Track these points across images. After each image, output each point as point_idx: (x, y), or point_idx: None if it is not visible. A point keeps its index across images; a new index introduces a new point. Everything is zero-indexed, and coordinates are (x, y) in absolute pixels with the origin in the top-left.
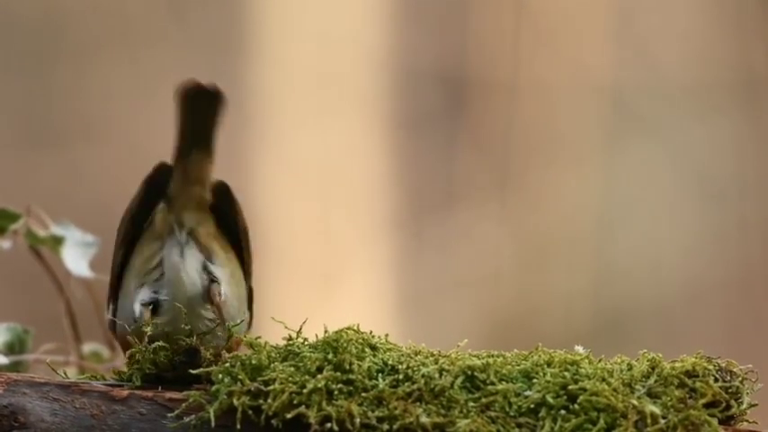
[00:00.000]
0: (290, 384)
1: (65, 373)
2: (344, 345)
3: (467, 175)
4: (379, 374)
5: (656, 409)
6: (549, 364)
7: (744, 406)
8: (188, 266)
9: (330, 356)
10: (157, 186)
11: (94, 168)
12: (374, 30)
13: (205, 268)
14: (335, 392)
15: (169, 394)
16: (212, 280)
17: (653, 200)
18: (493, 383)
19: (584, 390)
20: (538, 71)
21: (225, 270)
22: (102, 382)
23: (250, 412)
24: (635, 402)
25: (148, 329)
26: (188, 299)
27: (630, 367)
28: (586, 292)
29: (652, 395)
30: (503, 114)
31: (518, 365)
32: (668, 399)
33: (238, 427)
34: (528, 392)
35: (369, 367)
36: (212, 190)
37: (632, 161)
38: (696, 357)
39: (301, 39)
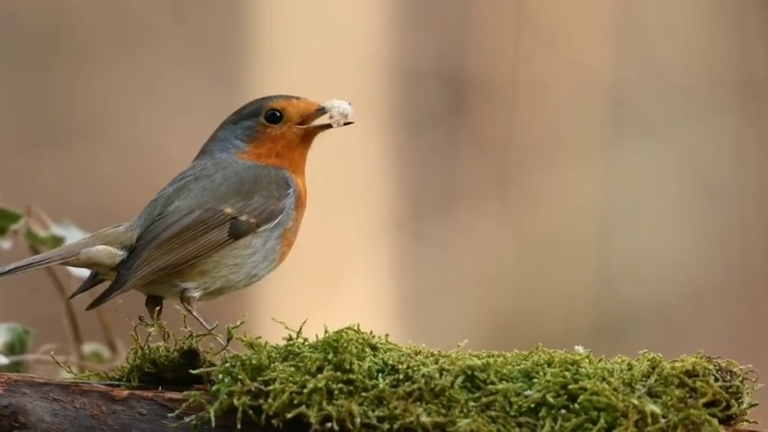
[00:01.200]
0: (291, 384)
1: (69, 369)
2: (345, 345)
3: (467, 176)
4: (380, 374)
5: (657, 409)
6: (549, 364)
7: (744, 405)
8: None
9: (330, 356)
10: None
11: (94, 168)
12: (374, 30)
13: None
14: (336, 392)
15: (169, 394)
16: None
17: (653, 200)
18: (493, 383)
19: (585, 389)
20: (538, 71)
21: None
22: (103, 383)
23: (250, 412)
24: (635, 402)
25: (153, 329)
26: None
27: (631, 367)
28: (587, 293)
29: (652, 395)
30: (503, 114)
31: (518, 365)
32: (668, 398)
33: (239, 426)
34: (528, 392)
35: (369, 367)
36: None
37: (632, 161)
38: (696, 357)
39: (302, 39)
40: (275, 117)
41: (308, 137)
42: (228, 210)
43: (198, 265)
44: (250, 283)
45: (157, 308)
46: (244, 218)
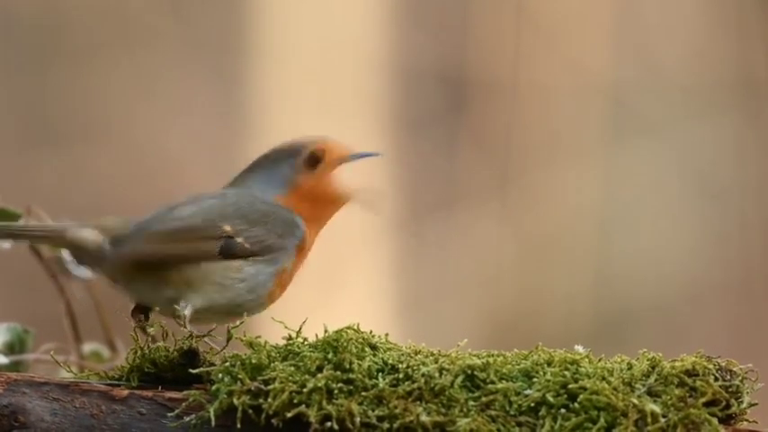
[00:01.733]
0: (291, 383)
1: (69, 368)
2: (344, 344)
3: (467, 176)
4: (380, 374)
5: (657, 408)
6: (549, 364)
7: (744, 405)
8: None
9: (330, 356)
10: None
11: (94, 168)
12: (374, 30)
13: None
14: (336, 391)
15: (169, 394)
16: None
17: (653, 200)
18: (493, 382)
19: (585, 389)
20: (538, 71)
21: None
22: (103, 382)
23: (250, 411)
24: (635, 401)
25: (152, 330)
26: None
27: (630, 366)
28: (587, 292)
29: (652, 394)
30: (503, 114)
31: (518, 365)
32: (668, 398)
33: (238, 426)
34: (528, 391)
35: (369, 366)
36: None
37: (633, 161)
38: (696, 356)
39: (301, 39)
40: (314, 160)
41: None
42: (227, 228)
43: (184, 271)
44: (232, 312)
45: (144, 318)
46: (239, 240)
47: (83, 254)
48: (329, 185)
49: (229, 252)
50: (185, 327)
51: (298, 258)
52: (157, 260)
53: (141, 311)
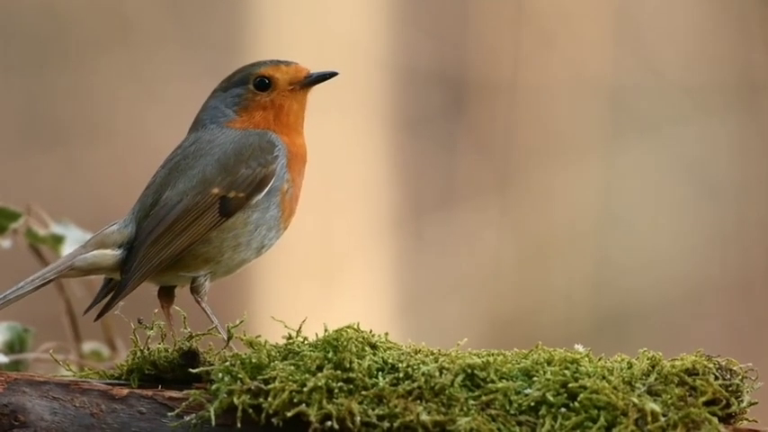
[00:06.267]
0: (291, 383)
1: (68, 367)
2: (344, 343)
3: (467, 175)
4: (380, 373)
5: (657, 407)
6: (549, 363)
7: (744, 404)
8: None
9: (330, 355)
10: None
11: (94, 168)
12: (374, 30)
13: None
14: (336, 391)
15: (169, 393)
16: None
17: (653, 199)
18: (493, 381)
19: (585, 388)
20: (538, 71)
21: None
22: (103, 381)
23: (250, 411)
24: (635, 400)
25: (151, 332)
26: None
27: (630, 365)
28: (586, 292)
29: (652, 393)
30: (503, 114)
31: (518, 364)
32: (668, 397)
33: (239, 425)
34: (528, 390)
35: (369, 366)
36: None
37: (632, 161)
38: (696, 356)
39: (301, 39)
40: (264, 84)
41: (301, 98)
42: (216, 190)
43: (200, 253)
44: (260, 254)
45: (169, 299)
46: (232, 194)
47: (101, 271)
48: (283, 102)
49: (229, 211)
50: (200, 304)
51: (295, 169)
52: (171, 258)
53: (166, 292)
